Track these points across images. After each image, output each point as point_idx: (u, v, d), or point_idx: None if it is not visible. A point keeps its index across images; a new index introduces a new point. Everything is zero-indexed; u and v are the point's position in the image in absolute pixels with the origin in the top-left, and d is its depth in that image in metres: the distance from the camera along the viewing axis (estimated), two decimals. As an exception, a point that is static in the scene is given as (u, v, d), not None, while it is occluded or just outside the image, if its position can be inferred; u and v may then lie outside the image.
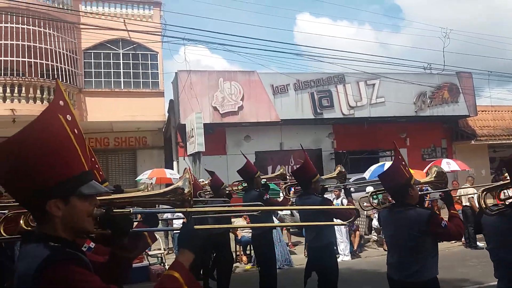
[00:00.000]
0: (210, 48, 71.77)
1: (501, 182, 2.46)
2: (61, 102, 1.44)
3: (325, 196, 5.17)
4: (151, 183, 11.22)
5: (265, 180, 6.57)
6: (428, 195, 4.04)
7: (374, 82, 17.11)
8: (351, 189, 5.59)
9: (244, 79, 15.85)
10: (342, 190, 8.35)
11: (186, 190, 1.88)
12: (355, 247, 9.82)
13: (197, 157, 13.78)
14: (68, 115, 1.43)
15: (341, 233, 9.28)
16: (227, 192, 6.64)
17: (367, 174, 11.74)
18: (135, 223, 2.63)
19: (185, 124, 14.68)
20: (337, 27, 47.45)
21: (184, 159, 15.27)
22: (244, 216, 8.45)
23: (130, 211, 1.71)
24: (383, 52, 61.33)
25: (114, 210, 1.66)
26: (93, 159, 3.15)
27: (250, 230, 8.88)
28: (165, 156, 16.57)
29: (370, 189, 7.82)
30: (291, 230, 11.04)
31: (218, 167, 11.93)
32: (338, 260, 9.00)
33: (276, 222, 8.95)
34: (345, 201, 9.26)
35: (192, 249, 1.62)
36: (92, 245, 2.53)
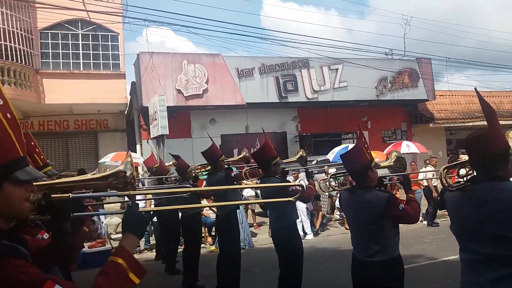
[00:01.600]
0: (174, 30, 70.37)
1: (460, 160, 2.59)
2: None
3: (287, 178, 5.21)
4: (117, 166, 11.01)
5: (229, 163, 6.56)
6: (387, 178, 4.15)
7: (337, 67, 17.34)
8: (315, 171, 5.68)
9: (209, 61, 15.67)
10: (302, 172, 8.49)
11: (128, 173, 1.86)
12: (317, 226, 10.07)
13: (160, 140, 13.60)
14: None
15: (302, 212, 9.48)
16: (193, 175, 6.63)
17: (330, 156, 11.98)
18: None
19: (147, 107, 14.41)
20: (303, 12, 47.56)
21: (147, 142, 15.01)
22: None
23: (69, 195, 1.67)
24: (347, 38, 62.16)
25: (53, 196, 1.63)
26: (32, 143, 3.07)
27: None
28: (128, 139, 16.24)
29: (332, 171, 8.00)
30: (255, 210, 11.17)
31: (183, 150, 11.83)
32: (305, 237, 9.27)
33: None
34: (303, 183, 9.44)
35: (136, 233, 1.60)
36: (46, 236, 2.47)
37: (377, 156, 9.52)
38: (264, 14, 48.60)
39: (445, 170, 2.42)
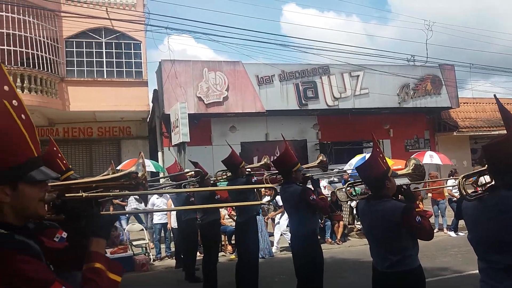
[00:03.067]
0: (195, 38, 71.25)
1: (479, 169, 2.51)
2: (5, 87, 1.40)
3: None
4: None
5: (249, 170, 6.56)
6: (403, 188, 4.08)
7: (358, 74, 17.19)
8: (335, 179, 5.63)
9: (229, 69, 15.75)
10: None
11: (139, 174, 1.88)
12: (338, 237, 9.93)
13: (182, 148, 13.70)
14: (14, 101, 1.40)
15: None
16: (211, 182, 6.64)
17: (348, 167, 11.79)
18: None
19: (169, 114, 14.56)
20: (323, 18, 47.47)
21: (169, 150, 15.14)
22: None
23: (82, 195, 1.69)
24: (368, 44, 61.68)
25: (66, 195, 1.65)
26: (54, 148, 3.10)
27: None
28: (150, 146, 16.41)
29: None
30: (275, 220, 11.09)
31: (203, 157, 11.88)
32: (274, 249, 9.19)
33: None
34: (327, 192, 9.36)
35: (101, 235, 1.61)
36: (64, 235, 2.49)
37: (399, 165, 9.36)
38: (284, 21, 48.70)
39: (464, 179, 2.39)
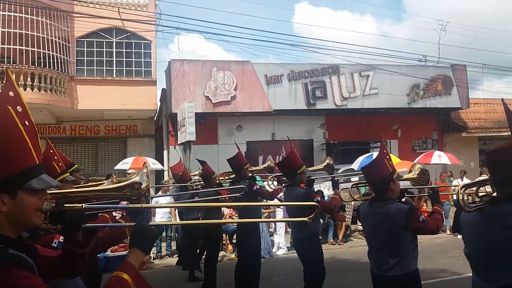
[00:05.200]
0: (205, 38, 71.34)
1: (479, 179, 2.44)
2: (11, 93, 1.40)
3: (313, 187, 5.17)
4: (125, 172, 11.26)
5: (252, 172, 6.58)
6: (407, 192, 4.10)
7: (368, 74, 17.09)
8: (340, 180, 5.63)
9: (238, 68, 15.82)
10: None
11: (143, 185, 1.84)
12: (340, 237, 9.96)
13: (187, 146, 13.83)
14: (18, 107, 1.38)
15: (277, 226, 9.46)
16: (218, 181, 6.70)
17: (355, 165, 11.82)
18: (119, 216, 2.62)
19: (176, 113, 14.71)
20: (335, 18, 47.23)
21: (175, 148, 15.29)
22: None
23: (82, 206, 1.67)
24: (381, 44, 61.17)
25: (66, 205, 1.62)
26: (51, 151, 3.12)
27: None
28: (156, 145, 16.57)
29: (355, 179, 7.86)
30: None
31: (209, 156, 11.96)
32: (276, 252, 9.19)
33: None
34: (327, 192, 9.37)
35: (143, 248, 1.59)
36: (61, 239, 2.54)
37: (406, 165, 9.33)
38: (295, 21, 48.59)
39: (464, 189, 2.25)
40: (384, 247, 3.17)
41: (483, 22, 46.06)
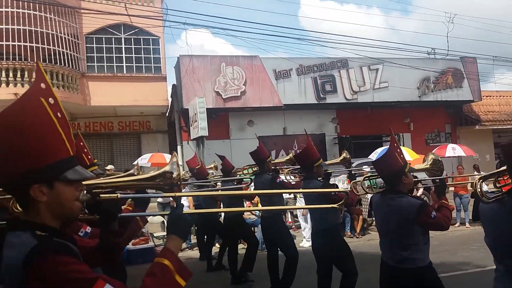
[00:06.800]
0: (213, 33, 71.32)
1: (496, 170, 2.43)
2: (42, 85, 1.39)
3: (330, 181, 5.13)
4: (141, 166, 11.27)
5: (275, 166, 6.52)
6: (421, 183, 4.06)
7: (378, 67, 17.00)
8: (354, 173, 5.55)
9: (247, 63, 15.76)
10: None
11: (174, 174, 1.84)
12: (357, 230, 9.87)
13: (200, 142, 13.80)
14: (50, 98, 1.38)
15: (303, 218, 9.31)
16: (238, 175, 6.66)
17: (373, 156, 11.69)
18: (125, 207, 2.62)
19: (188, 109, 14.67)
20: (342, 11, 46.96)
21: (188, 144, 15.28)
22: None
23: (117, 196, 1.67)
24: (388, 37, 60.81)
25: (101, 195, 1.63)
26: (81, 143, 3.15)
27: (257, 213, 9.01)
28: (169, 140, 16.59)
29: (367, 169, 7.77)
30: (294, 213, 11.10)
31: (221, 151, 11.79)
32: (302, 245, 9.10)
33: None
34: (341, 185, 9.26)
35: (181, 235, 1.60)
36: (88, 229, 2.50)
37: (419, 161, 9.21)
38: (302, 15, 48.35)
39: (481, 181, 2.34)
40: (396, 239, 3.18)
41: (493, 14, 45.62)
